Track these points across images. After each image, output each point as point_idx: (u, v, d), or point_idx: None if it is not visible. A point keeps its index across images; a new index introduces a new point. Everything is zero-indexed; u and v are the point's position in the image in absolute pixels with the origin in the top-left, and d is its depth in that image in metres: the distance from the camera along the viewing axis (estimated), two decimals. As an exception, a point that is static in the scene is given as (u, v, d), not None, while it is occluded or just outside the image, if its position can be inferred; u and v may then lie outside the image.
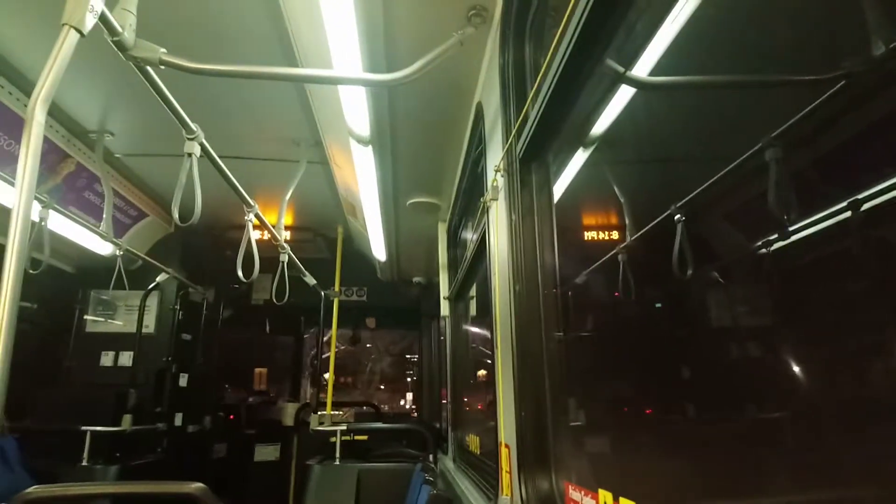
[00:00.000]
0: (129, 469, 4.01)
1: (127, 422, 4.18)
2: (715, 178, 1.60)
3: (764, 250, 1.66)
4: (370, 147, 2.92)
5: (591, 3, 1.16)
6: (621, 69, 1.59)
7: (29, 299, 4.51)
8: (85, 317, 4.85)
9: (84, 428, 3.96)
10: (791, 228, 1.49)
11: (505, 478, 1.87)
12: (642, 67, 1.64)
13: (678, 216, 1.79)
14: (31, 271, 2.79)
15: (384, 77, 2.07)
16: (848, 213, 1.33)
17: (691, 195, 1.77)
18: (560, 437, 1.65)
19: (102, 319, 4.87)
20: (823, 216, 1.41)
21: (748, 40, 1.54)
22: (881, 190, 1.26)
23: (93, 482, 3.72)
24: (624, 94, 1.87)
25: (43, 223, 2.98)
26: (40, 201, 3.00)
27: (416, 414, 8.09)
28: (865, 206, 1.29)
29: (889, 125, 1.22)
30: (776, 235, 1.57)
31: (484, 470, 2.76)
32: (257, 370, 7.50)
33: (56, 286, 4.68)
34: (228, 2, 2.29)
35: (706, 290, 2.01)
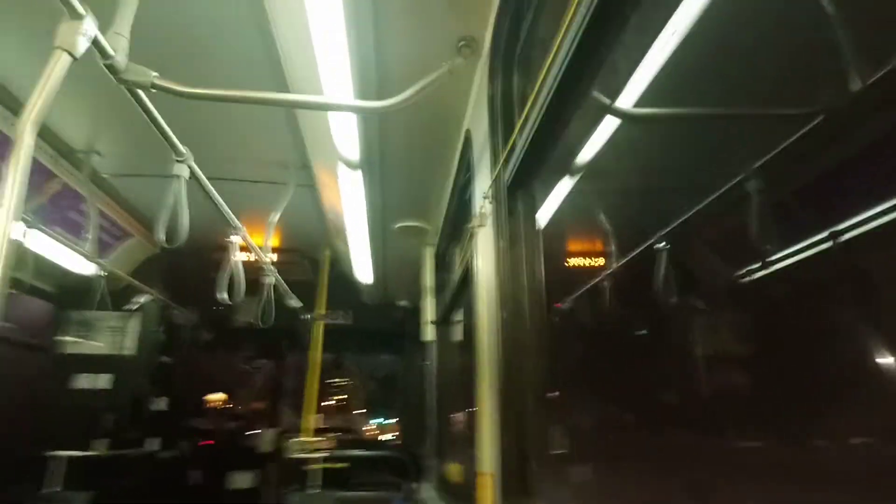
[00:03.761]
0: (100, 496, 3.89)
1: (100, 447, 4.06)
2: (697, 207, 1.63)
3: (746, 279, 1.68)
4: (359, 171, 2.93)
5: (579, 37, 1.19)
6: (608, 101, 1.62)
7: (7, 319, 4.41)
8: (62, 337, 4.74)
9: (53, 453, 3.85)
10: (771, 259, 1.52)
11: (489, 506, 1.84)
12: (628, 99, 1.68)
13: (662, 244, 1.82)
14: (12, 291, 2.75)
15: (374, 104, 2.09)
16: (829, 244, 1.36)
17: (674, 224, 1.80)
18: (544, 465, 1.64)
19: (80, 340, 4.77)
20: (803, 246, 1.44)
21: (729, 75, 1.58)
22: (861, 221, 1.29)
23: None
24: (610, 124, 1.91)
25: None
26: (24, 221, 2.96)
27: (399, 441, 7.97)
28: (845, 237, 1.32)
29: (869, 157, 1.26)
30: (759, 264, 1.59)
31: (466, 499, 2.72)
32: (236, 395, 7.36)
33: (34, 305, 4.59)
34: (220, 27, 2.32)
35: (692, 316, 2.03)
